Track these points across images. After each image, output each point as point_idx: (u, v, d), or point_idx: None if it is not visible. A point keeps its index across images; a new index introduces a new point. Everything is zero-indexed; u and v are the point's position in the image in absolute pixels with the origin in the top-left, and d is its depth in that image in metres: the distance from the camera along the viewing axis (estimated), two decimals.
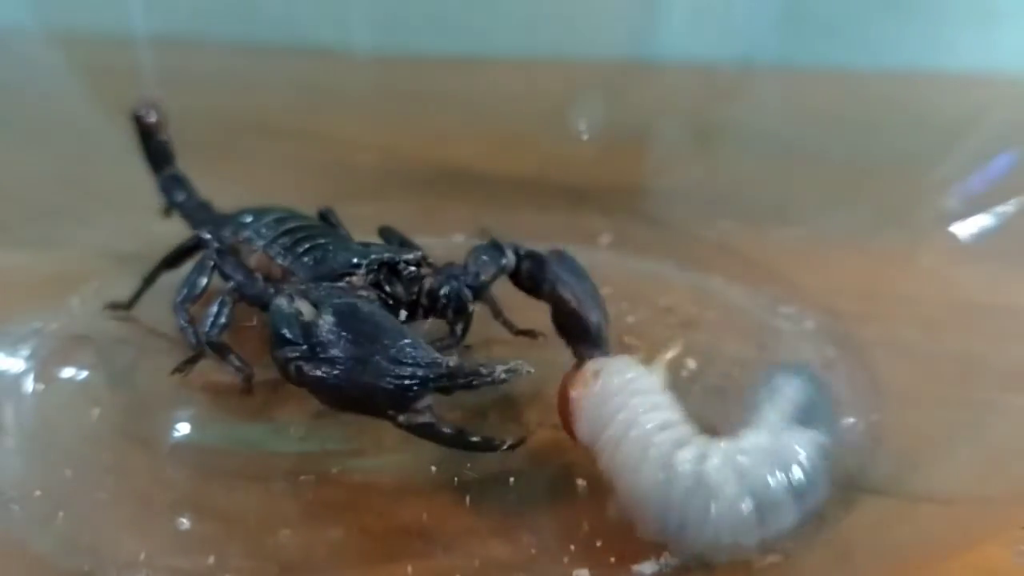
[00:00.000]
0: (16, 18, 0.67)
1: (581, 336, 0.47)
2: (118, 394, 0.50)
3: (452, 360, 0.40)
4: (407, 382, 0.39)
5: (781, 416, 0.38)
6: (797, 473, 0.36)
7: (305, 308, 0.42)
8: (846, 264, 0.57)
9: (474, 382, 0.40)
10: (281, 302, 0.43)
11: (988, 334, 0.53)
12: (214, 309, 0.48)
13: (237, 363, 0.48)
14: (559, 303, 0.48)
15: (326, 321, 0.40)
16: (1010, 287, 0.54)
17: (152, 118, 0.60)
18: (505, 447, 0.41)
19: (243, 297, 0.49)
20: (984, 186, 0.57)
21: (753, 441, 0.37)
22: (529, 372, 0.40)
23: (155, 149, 0.60)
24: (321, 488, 0.43)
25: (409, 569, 0.38)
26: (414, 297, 0.48)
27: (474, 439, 0.41)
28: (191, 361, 0.49)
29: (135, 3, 0.74)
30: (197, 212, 0.60)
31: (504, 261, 0.49)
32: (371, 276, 0.48)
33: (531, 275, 0.49)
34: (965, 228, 0.57)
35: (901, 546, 0.41)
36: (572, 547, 0.39)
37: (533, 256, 0.49)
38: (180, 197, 0.60)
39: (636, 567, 0.38)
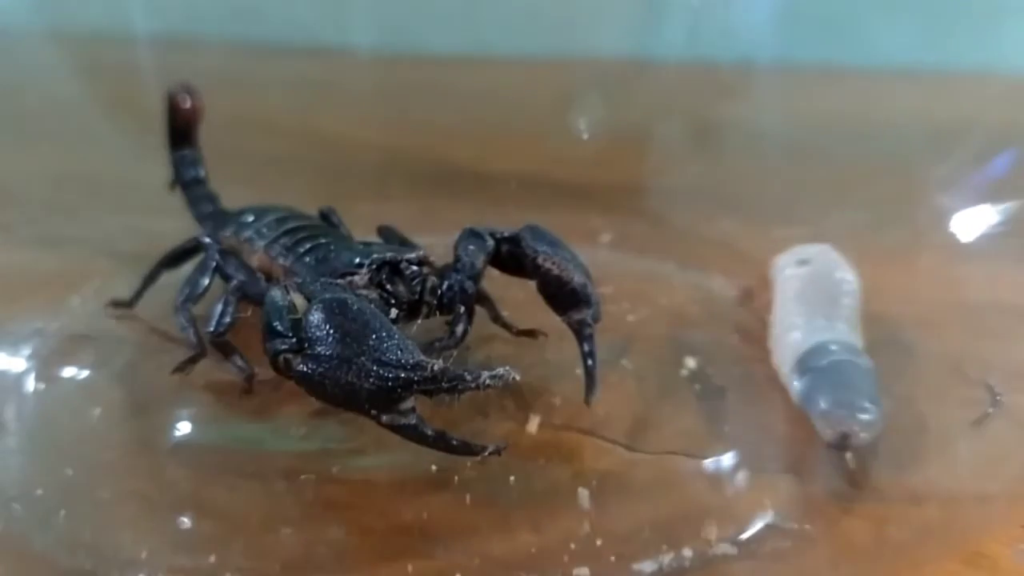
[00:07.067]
0: (17, 17, 0.67)
1: (569, 299, 0.48)
2: (119, 393, 0.50)
3: (437, 364, 0.39)
4: (390, 384, 0.39)
5: None
6: None
7: (299, 301, 0.42)
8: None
9: (458, 387, 0.39)
10: (276, 294, 0.43)
11: (987, 333, 0.53)
12: (218, 308, 0.48)
13: (240, 363, 0.48)
14: (542, 273, 0.48)
15: (315, 317, 0.40)
16: (1009, 286, 0.54)
17: (187, 104, 0.59)
18: (487, 453, 0.41)
19: (246, 296, 0.49)
20: (984, 185, 0.57)
21: None
22: (515, 379, 0.39)
23: (180, 130, 0.60)
24: (322, 487, 0.43)
25: (409, 568, 0.38)
26: (416, 296, 0.48)
27: (455, 442, 0.41)
28: (192, 360, 0.49)
29: (136, 2, 0.74)
30: (202, 201, 0.60)
31: (487, 244, 0.49)
32: (373, 276, 0.48)
33: (511, 255, 0.49)
34: (965, 227, 0.57)
35: (901, 544, 0.41)
36: (572, 546, 0.39)
37: (509, 238, 0.49)
38: (190, 176, 0.60)
39: (636, 566, 0.38)
